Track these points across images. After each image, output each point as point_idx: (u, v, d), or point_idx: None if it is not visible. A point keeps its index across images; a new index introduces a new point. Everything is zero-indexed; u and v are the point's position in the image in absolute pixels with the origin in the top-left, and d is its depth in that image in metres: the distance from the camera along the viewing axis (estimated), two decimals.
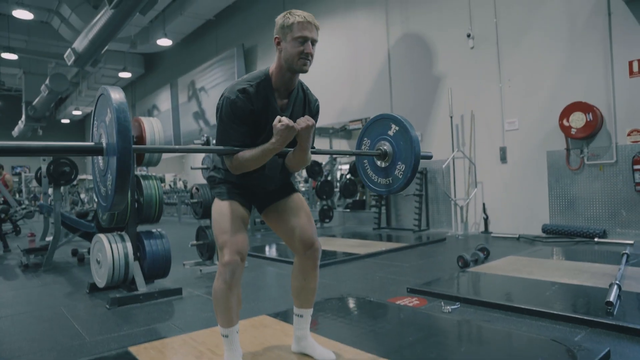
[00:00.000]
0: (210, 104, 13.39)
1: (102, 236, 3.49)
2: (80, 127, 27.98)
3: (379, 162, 2.17)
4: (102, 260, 3.45)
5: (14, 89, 19.69)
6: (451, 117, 6.65)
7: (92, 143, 1.50)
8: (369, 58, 8.28)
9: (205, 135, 4.64)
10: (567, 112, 5.44)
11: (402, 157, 2.07)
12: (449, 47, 6.96)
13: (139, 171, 4.20)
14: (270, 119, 1.78)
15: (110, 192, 1.42)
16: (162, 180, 17.08)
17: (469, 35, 6.56)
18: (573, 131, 5.41)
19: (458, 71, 6.85)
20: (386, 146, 2.13)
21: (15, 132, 20.82)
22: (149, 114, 17.72)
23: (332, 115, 9.18)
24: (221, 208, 1.86)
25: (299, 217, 1.97)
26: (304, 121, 1.74)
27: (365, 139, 2.25)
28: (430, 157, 2.24)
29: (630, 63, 5.14)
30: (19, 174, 20.56)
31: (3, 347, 2.57)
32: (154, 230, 3.72)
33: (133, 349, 2.29)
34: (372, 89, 8.23)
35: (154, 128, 3.57)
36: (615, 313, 2.46)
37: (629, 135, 5.20)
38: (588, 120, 5.29)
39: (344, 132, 11.29)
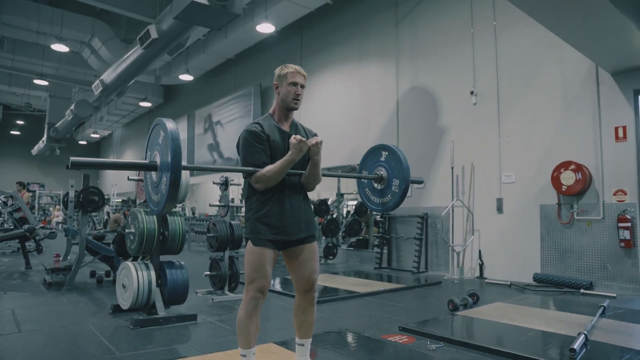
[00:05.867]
0: (225, 137, 13.99)
1: (129, 264, 3.92)
2: (96, 148, 28.84)
3: (376, 185, 2.73)
4: (128, 285, 3.87)
5: (37, 110, 20.61)
6: (452, 168, 7.10)
7: (148, 161, 2.04)
8: (379, 105, 8.82)
9: (224, 175, 5.12)
10: (558, 170, 5.87)
11: (395, 174, 2.65)
12: (454, 101, 7.48)
13: None
14: (281, 139, 2.31)
15: (163, 199, 1.91)
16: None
17: (472, 92, 7.09)
18: (564, 188, 5.83)
19: (461, 125, 7.35)
20: (382, 171, 2.69)
21: (35, 150, 21.62)
22: None
23: (343, 157, 9.68)
24: (254, 252, 2.23)
25: (312, 265, 2.38)
26: (314, 139, 2.29)
27: (363, 171, 2.84)
28: (421, 182, 2.79)
29: (616, 129, 5.60)
30: (32, 191, 21.20)
31: (43, 357, 2.97)
32: (175, 261, 4.14)
33: None
34: (380, 135, 8.72)
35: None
36: (577, 359, 2.82)
37: (614, 194, 5.61)
38: (577, 178, 5.72)
39: (352, 171, 11.81)
